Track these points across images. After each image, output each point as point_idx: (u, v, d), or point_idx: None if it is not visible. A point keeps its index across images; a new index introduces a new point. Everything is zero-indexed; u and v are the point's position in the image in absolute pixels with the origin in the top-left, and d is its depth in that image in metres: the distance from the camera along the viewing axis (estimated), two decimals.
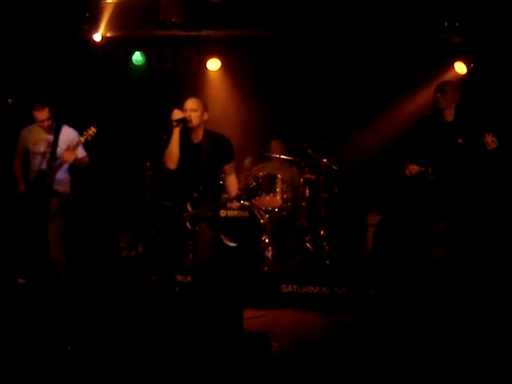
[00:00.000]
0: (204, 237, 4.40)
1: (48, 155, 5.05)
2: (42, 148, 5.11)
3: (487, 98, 6.36)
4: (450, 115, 4.76)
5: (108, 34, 6.80)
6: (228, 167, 4.49)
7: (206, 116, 4.40)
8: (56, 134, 5.10)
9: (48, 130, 5.11)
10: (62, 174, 5.15)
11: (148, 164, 6.54)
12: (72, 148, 4.96)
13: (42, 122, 5.03)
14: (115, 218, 6.97)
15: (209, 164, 4.35)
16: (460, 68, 6.77)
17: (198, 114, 4.32)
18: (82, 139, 4.90)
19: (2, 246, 5.38)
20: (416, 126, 5.00)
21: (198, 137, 4.40)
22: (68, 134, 5.15)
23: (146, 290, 5.35)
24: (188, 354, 3.77)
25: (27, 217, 5.02)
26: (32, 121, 5.11)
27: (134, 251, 6.38)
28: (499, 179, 5.93)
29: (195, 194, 4.34)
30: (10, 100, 5.31)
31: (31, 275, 5.13)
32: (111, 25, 6.67)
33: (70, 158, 4.96)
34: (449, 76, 6.73)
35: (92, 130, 4.87)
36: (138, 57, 7.16)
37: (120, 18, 6.60)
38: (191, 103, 4.34)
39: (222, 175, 4.62)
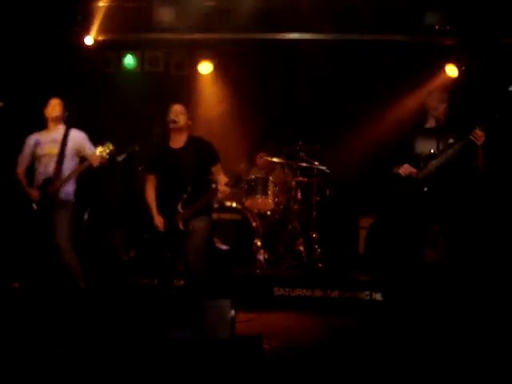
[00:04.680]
0: (193, 238, 4.41)
1: (56, 157, 4.86)
2: (49, 149, 4.93)
3: (476, 98, 6.39)
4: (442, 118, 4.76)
5: (100, 37, 6.80)
6: (215, 168, 4.58)
7: (189, 122, 4.62)
8: (65, 135, 4.93)
9: (56, 130, 4.98)
10: (70, 185, 4.96)
11: (140, 168, 6.53)
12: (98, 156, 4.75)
13: (56, 117, 4.96)
14: (107, 221, 6.94)
15: (193, 166, 4.43)
16: (451, 71, 6.80)
17: (185, 116, 4.55)
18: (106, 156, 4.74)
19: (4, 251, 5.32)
20: (408, 135, 4.93)
21: (180, 141, 4.55)
22: (76, 136, 5.00)
23: (139, 294, 5.34)
24: (180, 356, 3.76)
25: (33, 225, 4.86)
26: (24, 125, 5.06)
27: (126, 255, 6.36)
28: (491, 180, 5.94)
29: (184, 195, 4.42)
30: (0, 103, 5.27)
31: (33, 280, 5.03)
32: (103, 28, 6.67)
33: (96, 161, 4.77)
34: (440, 79, 6.77)
35: (110, 148, 4.74)
36: (129, 60, 7.17)
37: (112, 21, 6.60)
38: (178, 106, 4.58)
39: (210, 176, 4.64)
